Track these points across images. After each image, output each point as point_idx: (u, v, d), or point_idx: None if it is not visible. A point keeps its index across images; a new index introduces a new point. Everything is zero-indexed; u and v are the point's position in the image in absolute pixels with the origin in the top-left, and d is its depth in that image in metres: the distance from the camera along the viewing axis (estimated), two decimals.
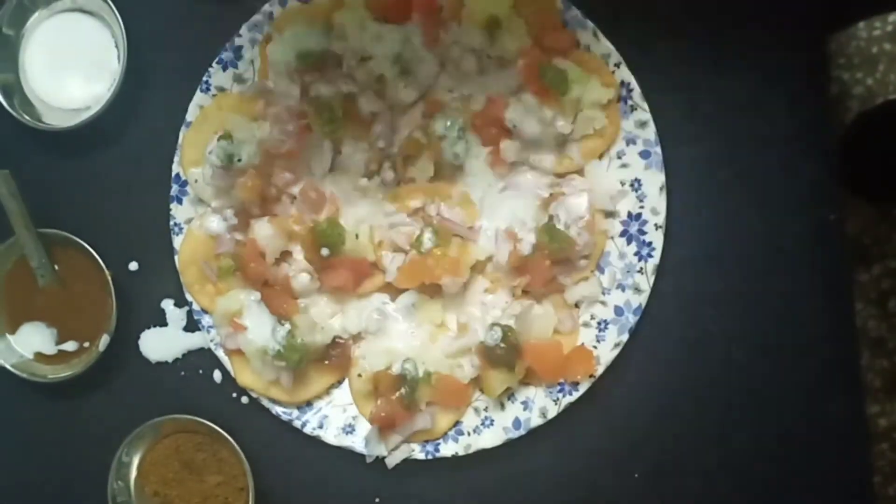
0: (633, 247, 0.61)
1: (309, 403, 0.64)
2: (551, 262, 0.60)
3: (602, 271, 0.62)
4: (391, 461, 0.62)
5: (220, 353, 0.64)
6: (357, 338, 0.64)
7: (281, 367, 0.61)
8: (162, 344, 0.67)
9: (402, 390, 0.61)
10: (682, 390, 0.63)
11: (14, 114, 0.66)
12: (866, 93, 1.48)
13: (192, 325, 0.67)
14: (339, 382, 0.64)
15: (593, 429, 0.63)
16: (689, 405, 0.63)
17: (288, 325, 0.61)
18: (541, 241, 0.60)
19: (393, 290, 0.64)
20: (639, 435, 0.63)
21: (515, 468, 0.63)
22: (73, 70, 0.68)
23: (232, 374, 0.64)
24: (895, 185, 1.21)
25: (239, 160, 0.61)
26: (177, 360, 0.67)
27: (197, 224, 0.64)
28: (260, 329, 0.61)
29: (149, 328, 0.67)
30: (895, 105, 1.35)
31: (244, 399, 0.66)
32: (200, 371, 0.67)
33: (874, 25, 1.47)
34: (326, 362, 0.63)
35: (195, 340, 0.67)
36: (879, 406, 1.45)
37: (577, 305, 0.62)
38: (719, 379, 0.63)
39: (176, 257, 0.65)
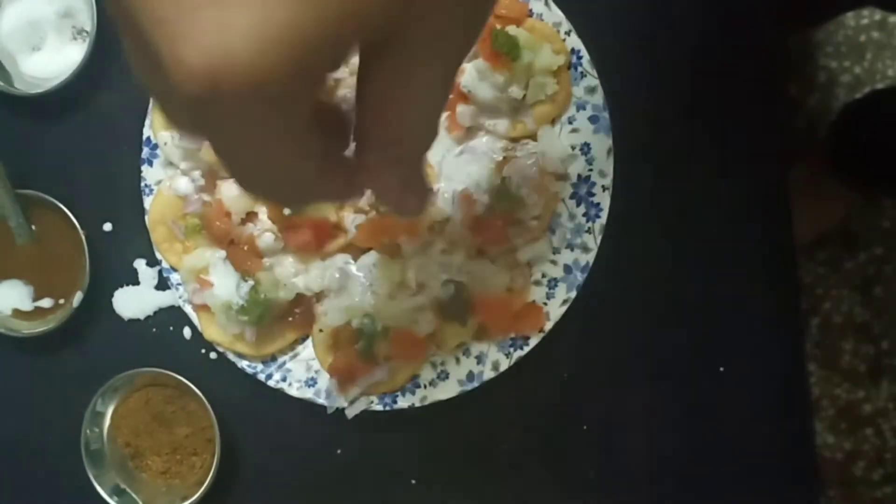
0: (583, 208, 0.64)
1: (273, 358, 0.67)
2: (504, 222, 0.63)
3: (553, 232, 0.65)
4: (350, 412, 0.65)
5: (189, 310, 0.67)
6: (320, 295, 0.66)
7: (244, 322, 0.64)
8: (134, 301, 0.70)
9: (360, 344, 0.63)
10: (628, 347, 0.66)
11: None
12: (854, 81, 1.50)
13: (163, 285, 0.69)
14: (304, 338, 0.67)
15: (544, 382, 0.66)
16: (636, 362, 0.65)
17: (251, 282, 0.64)
18: (493, 202, 0.62)
19: (355, 251, 0.67)
20: (587, 389, 0.65)
21: (470, 420, 0.66)
22: (46, 36, 0.70)
23: (199, 329, 0.67)
24: (882, 173, 1.23)
25: None
26: (148, 317, 0.70)
27: (166, 185, 0.67)
28: (225, 285, 0.64)
29: (122, 286, 0.70)
30: (883, 94, 1.37)
31: (212, 355, 0.68)
32: (171, 328, 0.69)
33: (862, 14, 1.49)
34: (290, 319, 0.66)
35: (166, 298, 0.69)
36: (864, 391, 1.48)
37: (529, 264, 0.65)
38: (664, 335, 0.65)
39: (146, 217, 0.67)
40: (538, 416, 0.66)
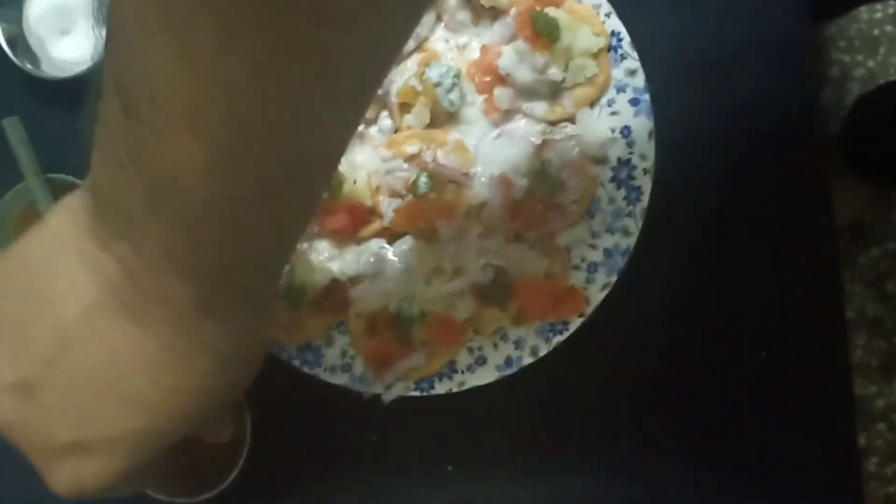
0: (623, 191, 0.64)
1: (308, 344, 0.66)
2: (543, 206, 0.63)
3: (593, 216, 0.64)
4: (387, 397, 0.64)
5: None
6: (355, 280, 0.66)
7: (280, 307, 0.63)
8: None
9: (397, 328, 0.63)
10: (669, 331, 0.65)
11: (18, 63, 0.68)
12: (867, 75, 1.50)
13: None
14: (339, 324, 0.66)
15: (583, 368, 0.65)
16: (678, 346, 0.65)
17: (287, 266, 0.63)
18: (532, 186, 0.62)
19: (391, 236, 0.66)
20: (627, 375, 0.65)
21: (507, 406, 0.65)
22: (75, 20, 0.70)
23: None
24: (895, 167, 1.23)
25: None
26: None
27: None
28: None
29: None
30: None
31: None
32: None
33: (875, 8, 1.49)
34: (325, 304, 0.66)
35: None
36: (877, 387, 1.48)
37: (567, 249, 0.65)
38: (706, 320, 0.65)
39: None
40: (577, 402, 0.65)
